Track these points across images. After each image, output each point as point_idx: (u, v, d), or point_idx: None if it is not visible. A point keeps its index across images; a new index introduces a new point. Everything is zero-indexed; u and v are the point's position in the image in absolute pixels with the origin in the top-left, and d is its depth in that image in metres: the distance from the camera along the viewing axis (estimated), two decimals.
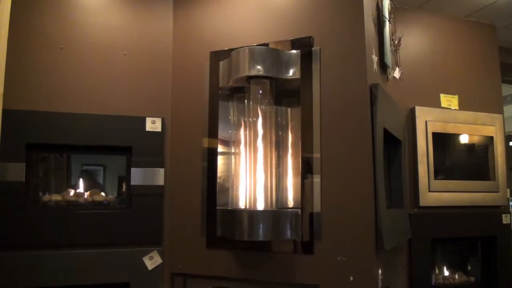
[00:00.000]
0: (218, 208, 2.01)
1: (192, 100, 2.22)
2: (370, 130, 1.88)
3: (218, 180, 2.05)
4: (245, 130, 2.04)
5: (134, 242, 2.13)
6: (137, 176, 2.15)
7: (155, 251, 2.14)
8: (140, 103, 2.25)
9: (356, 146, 1.89)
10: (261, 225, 1.81)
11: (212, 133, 2.13)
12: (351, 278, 1.82)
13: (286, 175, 1.97)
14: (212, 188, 2.07)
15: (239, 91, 2.06)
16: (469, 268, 2.89)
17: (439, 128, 2.71)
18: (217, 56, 2.16)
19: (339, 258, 1.84)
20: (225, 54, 2.09)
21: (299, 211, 1.89)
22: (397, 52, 2.53)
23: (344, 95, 1.93)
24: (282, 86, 1.99)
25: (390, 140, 2.29)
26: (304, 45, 2.00)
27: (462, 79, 2.84)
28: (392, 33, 2.47)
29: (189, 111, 2.23)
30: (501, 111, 2.92)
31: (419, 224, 2.55)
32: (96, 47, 2.23)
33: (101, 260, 2.08)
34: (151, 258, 2.14)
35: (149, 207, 2.16)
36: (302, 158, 1.94)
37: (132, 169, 2.15)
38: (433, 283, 2.68)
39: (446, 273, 2.82)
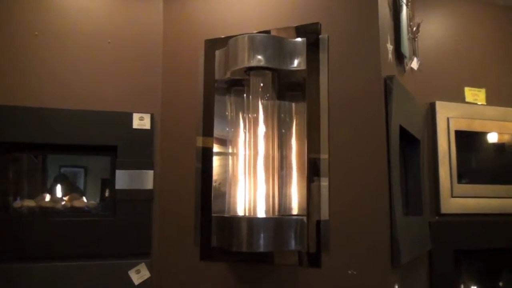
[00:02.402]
0: (213, 215, 2.02)
1: (185, 94, 2.25)
2: (384, 128, 1.89)
3: (214, 184, 2.07)
4: (244, 127, 2.06)
5: (119, 254, 2.15)
6: (123, 179, 2.17)
7: (143, 263, 2.17)
8: (126, 97, 2.27)
9: (369, 146, 1.90)
10: (261, 235, 1.82)
11: (207, 131, 2.15)
12: None
13: (290, 178, 1.99)
14: (206, 193, 2.10)
15: (237, 84, 2.08)
16: (500, 284, 2.90)
17: (463, 125, 2.72)
18: (213, 44, 2.18)
19: (349, 272, 1.86)
20: (222, 42, 2.12)
21: (304, 218, 1.91)
22: (415, 40, 2.55)
23: (355, 89, 1.94)
24: (286, 78, 2.01)
25: (407, 139, 2.30)
26: (310, 32, 2.02)
27: (490, 70, 2.85)
28: (410, 19, 2.48)
29: (181, 106, 2.26)
30: None
31: (441, 233, 2.57)
32: (76, 34, 2.25)
33: (81, 274, 2.09)
34: (137, 271, 2.16)
35: (136, 214, 2.18)
36: (308, 159, 1.95)
37: (117, 171, 2.18)
38: None
39: None
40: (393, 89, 1.93)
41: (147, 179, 2.21)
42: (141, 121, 2.23)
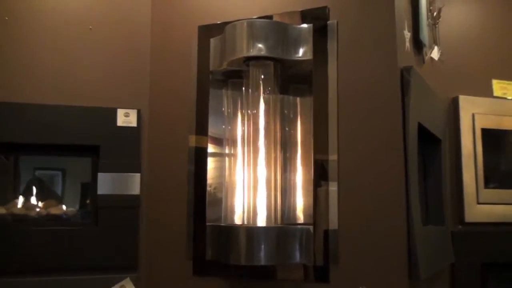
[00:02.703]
0: (208, 224, 2.02)
1: (176, 87, 2.25)
2: (401, 126, 1.89)
3: (208, 189, 2.07)
4: (242, 125, 2.06)
5: (101, 268, 2.14)
6: (106, 183, 2.17)
7: (128, 278, 2.16)
8: (110, 91, 2.27)
9: (383, 146, 1.90)
10: (262, 246, 1.82)
11: (201, 129, 2.15)
12: None
13: (295, 182, 1.99)
14: (200, 199, 2.09)
15: (235, 76, 2.09)
16: None
17: (491, 123, 2.72)
18: (208, 31, 2.18)
19: None
20: (218, 29, 2.12)
21: (311, 228, 1.90)
22: (436, 27, 2.54)
23: (368, 82, 1.94)
24: (290, 69, 2.01)
25: (427, 139, 2.31)
26: (317, 17, 2.02)
27: None
28: (430, 3, 2.48)
29: (172, 101, 2.26)
30: None
31: (465, 244, 2.56)
32: (52, 19, 2.25)
33: None
34: (122, 287, 2.16)
35: (120, 223, 2.18)
36: (315, 161, 1.95)
37: (99, 175, 2.17)
38: None
39: None
40: (410, 81, 1.93)
41: (133, 184, 2.21)
42: (126, 118, 2.23)
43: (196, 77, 2.20)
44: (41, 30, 2.23)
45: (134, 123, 2.24)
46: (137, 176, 2.22)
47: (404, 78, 1.93)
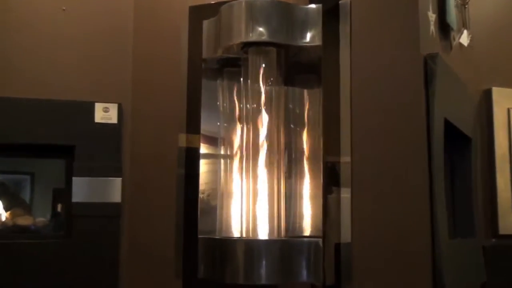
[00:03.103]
0: (200, 236, 2.02)
1: (163, 77, 2.26)
2: (424, 123, 1.90)
3: (201, 196, 2.07)
4: (240, 122, 2.06)
5: (75, 287, 2.15)
6: (82, 189, 2.18)
7: None
8: (86, 82, 2.28)
9: (404, 146, 1.91)
10: (263, 262, 1.82)
11: (192, 126, 2.15)
12: None
13: (301, 188, 1.99)
14: (191, 208, 2.09)
15: (231, 65, 2.09)
16: None
17: None
18: (200, 13, 2.18)
19: None
20: (211, 10, 2.10)
21: (319, 241, 1.90)
22: (465, 8, 2.55)
23: (387, 71, 1.94)
24: (296, 57, 2.01)
25: (455, 138, 2.32)
26: None
27: None
28: None
29: (159, 94, 2.27)
30: None
31: (499, 260, 2.58)
32: None
33: None
34: None
35: (98, 235, 2.18)
36: (325, 163, 1.96)
37: (74, 179, 2.18)
38: None
39: None
40: (436, 71, 1.94)
41: (113, 190, 2.21)
42: (105, 113, 2.24)
43: (187, 66, 2.20)
44: (7, 13, 2.23)
45: (114, 119, 2.25)
46: (117, 181, 2.22)
47: (428, 67, 1.94)
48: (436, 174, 1.90)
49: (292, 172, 1.99)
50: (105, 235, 2.19)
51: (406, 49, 1.93)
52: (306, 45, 1.96)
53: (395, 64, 1.93)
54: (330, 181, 1.95)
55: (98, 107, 2.23)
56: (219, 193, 2.07)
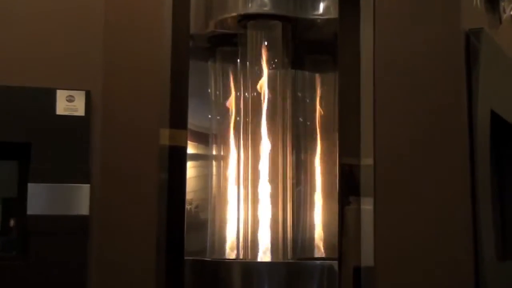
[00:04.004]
0: (187, 258, 2.02)
1: (142, 59, 2.22)
2: (465, 115, 1.90)
3: (188, 207, 2.07)
4: (237, 114, 2.06)
5: None
6: (40, 198, 2.13)
7: None
8: (46, 64, 2.24)
9: (440, 145, 1.91)
10: None
11: (177, 120, 2.15)
12: None
13: (312, 198, 2.00)
14: (176, 221, 2.09)
15: (226, 43, 2.09)
16: None
17: None
18: None
19: None
20: None
21: (335, 264, 1.90)
22: None
23: (418, 50, 1.93)
24: (306, 33, 2.02)
25: (504, 133, 2.31)
26: None
27: None
28: None
29: (136, 80, 2.23)
30: None
31: None
32: None
33: None
34: None
35: (61, 255, 2.13)
36: (341, 166, 1.95)
37: (30, 186, 2.13)
38: None
39: None
40: (480, 49, 1.94)
41: (79, 199, 2.19)
42: (69, 103, 2.22)
43: (170, 44, 2.19)
44: None
45: (81, 111, 2.22)
46: (85, 188, 2.19)
47: (471, 44, 1.95)
48: (481, 180, 1.90)
49: (301, 177, 2.00)
50: (69, 255, 2.13)
51: (444, 23, 1.93)
52: (318, 19, 1.97)
53: (430, 42, 1.93)
54: (348, 189, 1.95)
55: (61, 95, 2.20)
56: (211, 204, 2.08)
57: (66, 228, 2.16)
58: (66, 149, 2.20)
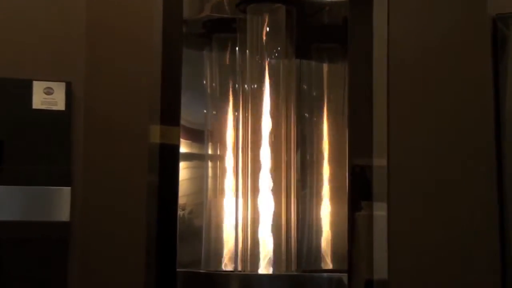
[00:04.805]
0: (179, 270, 2.01)
1: (129, 47, 2.21)
2: (491, 111, 1.91)
3: (181, 213, 2.06)
4: (235, 109, 2.09)
5: None
6: (13, 203, 2.15)
7: None
8: (21, 53, 2.26)
9: (462, 145, 1.93)
10: None
11: (169, 115, 2.12)
12: None
13: (318, 203, 2.01)
14: (167, 229, 2.07)
15: (223, 29, 2.11)
16: None
17: None
18: None
19: None
20: None
21: (344, 276, 1.90)
22: None
23: (439, 38, 1.96)
24: (313, 18, 2.04)
25: None
26: None
27: None
28: None
29: (123, 70, 2.21)
30: None
31: None
32: None
33: None
34: None
35: (38, 267, 2.16)
36: (351, 167, 1.95)
37: (2, 189, 2.15)
38: None
39: None
40: (509, 37, 1.94)
41: (59, 204, 2.19)
42: (48, 96, 2.22)
43: (161, 30, 2.16)
44: None
45: (60, 105, 2.22)
46: (65, 192, 2.20)
47: (499, 32, 1.96)
48: (509, 185, 1.90)
49: (306, 179, 2.00)
50: (47, 266, 2.16)
51: (468, 7, 1.94)
52: (326, 2, 1.97)
53: (451, 29, 1.94)
54: (358, 193, 1.95)
55: (38, 87, 2.20)
56: (206, 209, 2.09)
57: (44, 236, 2.16)
58: (43, 148, 2.21)
